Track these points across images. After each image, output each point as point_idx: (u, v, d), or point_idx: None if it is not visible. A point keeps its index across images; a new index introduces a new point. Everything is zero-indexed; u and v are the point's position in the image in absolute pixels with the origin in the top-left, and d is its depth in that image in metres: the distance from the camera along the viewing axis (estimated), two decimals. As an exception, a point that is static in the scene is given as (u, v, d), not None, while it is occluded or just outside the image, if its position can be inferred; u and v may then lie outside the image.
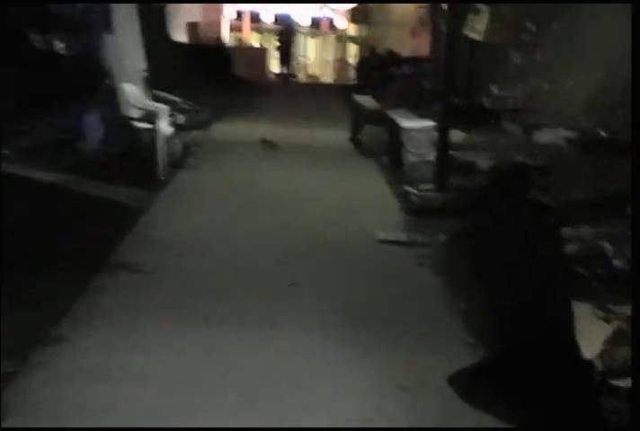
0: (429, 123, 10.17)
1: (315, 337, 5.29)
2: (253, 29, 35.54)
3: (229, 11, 32.74)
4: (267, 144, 13.19)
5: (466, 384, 4.38)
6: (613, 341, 4.57)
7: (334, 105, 19.24)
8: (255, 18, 35.04)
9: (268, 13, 34.72)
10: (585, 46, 10.59)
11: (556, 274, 5.17)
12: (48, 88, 10.00)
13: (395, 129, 11.03)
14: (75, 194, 8.46)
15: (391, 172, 10.90)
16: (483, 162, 9.28)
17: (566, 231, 6.34)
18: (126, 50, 11.43)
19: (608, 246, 6.03)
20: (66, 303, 5.62)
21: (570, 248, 6.03)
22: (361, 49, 30.65)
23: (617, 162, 7.79)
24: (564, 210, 6.90)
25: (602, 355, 4.47)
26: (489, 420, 4.18)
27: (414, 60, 18.10)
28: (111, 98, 10.49)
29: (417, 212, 8.61)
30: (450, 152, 9.25)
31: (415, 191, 8.97)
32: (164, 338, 5.17)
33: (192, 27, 24.52)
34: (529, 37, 11.99)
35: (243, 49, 29.68)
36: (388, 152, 11.54)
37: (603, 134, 9.48)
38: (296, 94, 22.83)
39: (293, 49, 31.31)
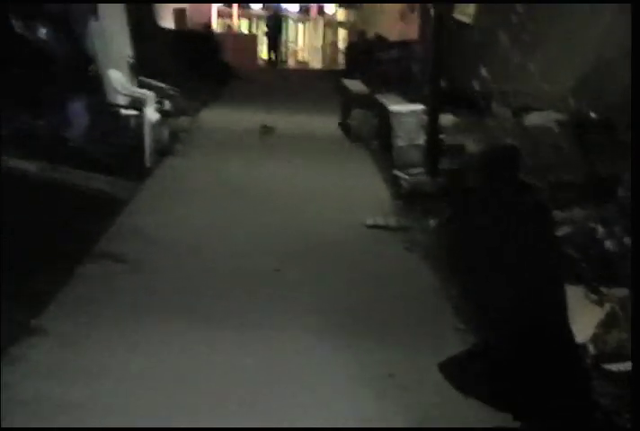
0: (418, 107, 10.08)
1: (301, 324, 5.25)
2: (241, 15, 35.33)
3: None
4: (266, 129, 13.10)
5: (457, 372, 4.29)
6: (605, 325, 4.49)
7: (324, 90, 19.11)
8: (244, 4, 34.82)
9: (256, -1, 34.51)
10: (574, 28, 10.49)
11: (548, 257, 5.07)
12: (31, 76, 9.85)
13: (384, 113, 10.93)
14: (58, 183, 8.34)
15: (380, 157, 10.82)
16: (472, 145, 9.18)
17: (557, 213, 6.25)
18: (112, 37, 11.28)
19: (599, 228, 5.95)
20: (50, 294, 5.57)
21: (561, 230, 5.95)
22: (350, 34, 30.48)
23: (606, 143, 7.71)
24: (554, 192, 6.83)
25: (595, 339, 4.38)
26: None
27: (403, 44, 17.93)
28: (96, 85, 10.35)
29: (407, 197, 8.53)
30: (440, 135, 9.16)
31: (405, 176, 8.88)
32: (150, 329, 5.13)
33: (180, 13, 24.34)
34: (518, 19, 11.89)
35: (232, 36, 29.49)
36: (377, 136, 11.45)
37: (593, 115, 9.39)
38: (285, 80, 22.69)
39: (282, 35, 31.12)
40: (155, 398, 4.30)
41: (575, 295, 4.83)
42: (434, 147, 9.02)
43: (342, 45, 32.07)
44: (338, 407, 4.32)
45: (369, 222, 7.68)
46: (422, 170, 8.94)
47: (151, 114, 10.55)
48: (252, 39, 31.04)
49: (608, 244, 5.72)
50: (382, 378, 4.61)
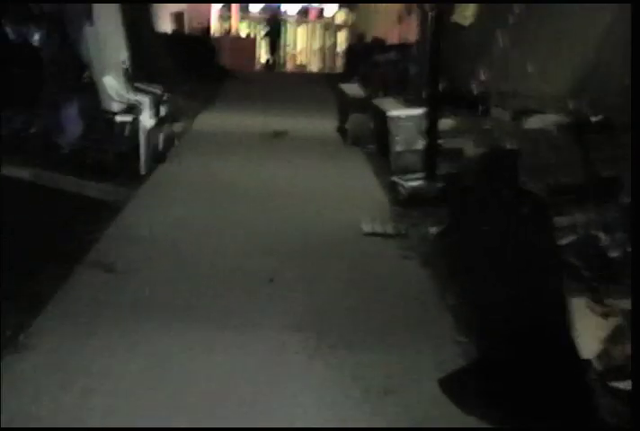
0: (416, 111, 9.94)
1: (295, 334, 5.17)
2: (240, 18, 35.22)
3: (216, -1, 32.39)
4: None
5: (457, 388, 4.17)
6: (612, 339, 4.33)
7: (322, 94, 19.01)
8: (243, 6, 34.70)
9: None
10: (573, 28, 10.38)
11: (549, 266, 4.93)
12: (24, 81, 9.73)
13: (381, 118, 10.80)
14: (52, 190, 8.23)
15: (378, 162, 10.69)
16: (470, 149, 9.04)
17: (558, 219, 6.11)
18: (107, 42, 11.14)
19: (602, 236, 5.80)
20: (48, 296, 5.61)
21: (565, 239, 5.80)
22: (349, 37, 30.40)
23: (606, 144, 7.59)
24: (554, 195, 6.70)
25: (601, 354, 4.23)
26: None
27: (401, 47, 17.85)
28: (90, 91, 10.23)
29: (404, 203, 8.39)
30: (439, 140, 9.03)
31: (403, 182, 8.74)
32: (143, 337, 5.05)
33: (178, 17, 24.22)
34: (516, 20, 11.78)
35: (230, 39, 29.39)
36: (375, 141, 11.32)
37: (593, 118, 9.27)
38: (283, 84, 22.59)
39: (281, 39, 31.00)
40: (155, 398, 4.27)
41: (579, 308, 4.69)
42: (433, 152, 8.88)
43: (340, 48, 32.00)
44: (337, 407, 4.27)
45: (367, 229, 7.54)
46: (419, 175, 8.79)
47: (146, 120, 10.42)
48: (250, 43, 30.93)
49: (613, 253, 5.56)
50: (381, 378, 4.58)
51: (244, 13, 34.95)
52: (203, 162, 10.79)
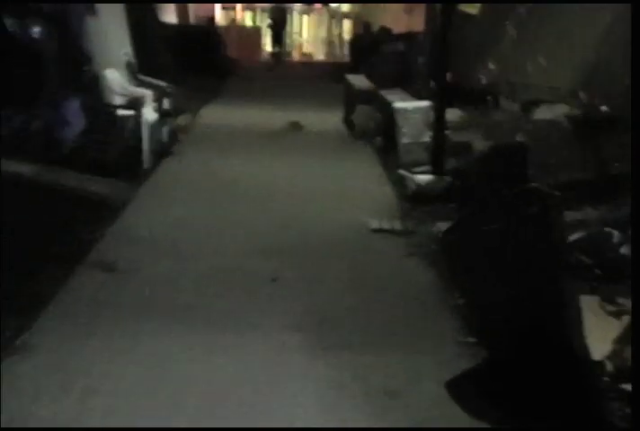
0: (423, 103, 9.84)
1: (295, 334, 5.14)
2: (245, 7, 35.09)
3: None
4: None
5: (464, 392, 4.08)
6: (623, 340, 4.22)
7: (328, 85, 18.92)
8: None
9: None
10: (582, 19, 10.27)
11: (550, 266, 4.83)
12: (25, 75, 9.63)
13: (388, 110, 10.69)
14: (54, 185, 8.15)
15: (384, 154, 10.60)
16: (480, 142, 8.91)
17: (569, 214, 5.98)
18: (110, 34, 11.04)
19: (614, 232, 5.67)
20: (49, 295, 5.60)
21: (575, 235, 5.68)
22: (355, 26, 30.21)
23: (615, 138, 7.46)
24: (564, 190, 6.57)
25: (611, 355, 4.12)
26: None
27: (409, 37, 17.68)
28: (93, 85, 10.13)
29: (413, 198, 8.27)
30: (446, 132, 8.90)
31: (410, 175, 8.63)
32: (143, 338, 5.02)
33: (182, 6, 24.08)
34: (525, 10, 11.66)
35: (235, 29, 29.29)
36: (382, 133, 11.21)
37: (605, 108, 9.15)
38: (289, 74, 22.49)
39: (286, 28, 30.83)
40: (155, 398, 4.27)
41: (590, 307, 4.58)
42: (440, 145, 8.75)
43: (346, 37, 31.84)
44: (338, 407, 4.25)
45: (374, 225, 7.44)
46: (427, 168, 8.67)
47: (149, 114, 10.34)
48: (255, 32, 30.80)
49: (625, 250, 5.42)
50: (382, 379, 4.57)
51: (248, 3, 34.83)
52: (207, 157, 10.70)
